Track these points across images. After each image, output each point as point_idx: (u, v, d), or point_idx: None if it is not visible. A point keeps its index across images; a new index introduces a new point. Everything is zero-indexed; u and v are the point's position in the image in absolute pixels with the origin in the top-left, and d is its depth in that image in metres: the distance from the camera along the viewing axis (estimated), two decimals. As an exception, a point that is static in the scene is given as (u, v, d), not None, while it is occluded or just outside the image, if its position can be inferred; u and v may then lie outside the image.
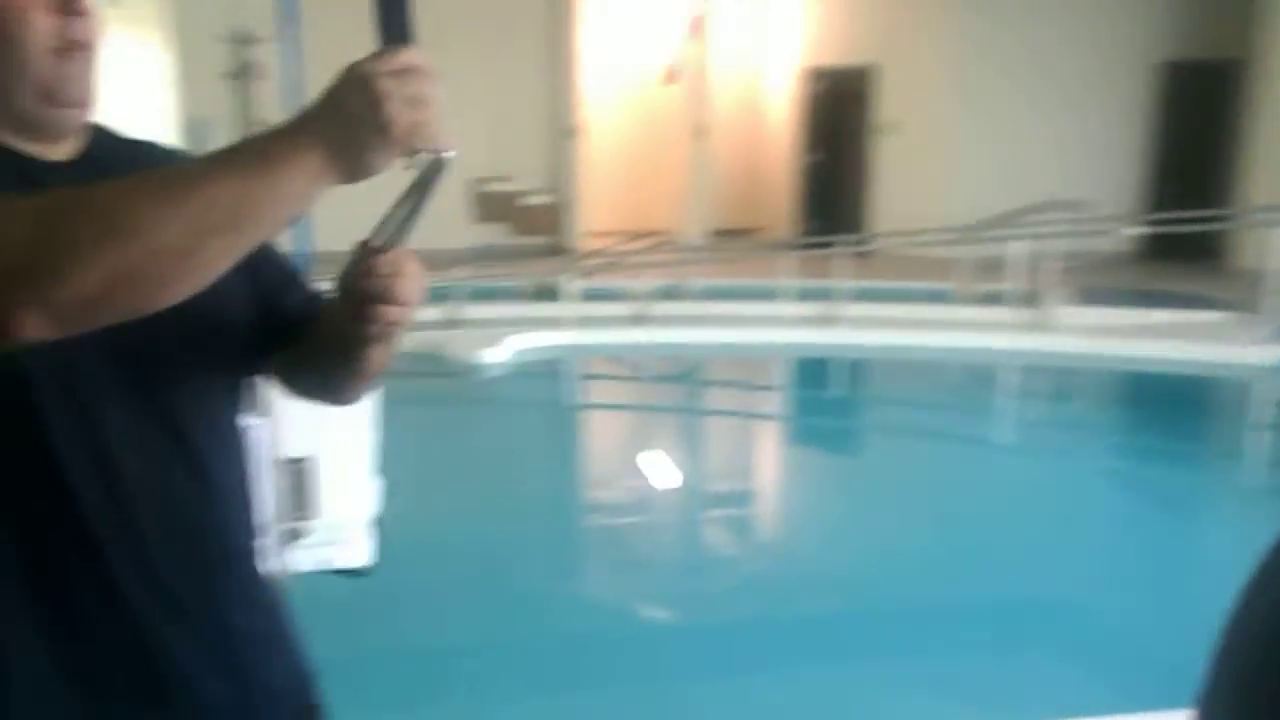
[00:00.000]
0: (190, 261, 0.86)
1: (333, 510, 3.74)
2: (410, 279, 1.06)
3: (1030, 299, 8.32)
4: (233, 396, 1.21)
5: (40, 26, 1.01)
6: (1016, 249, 8.58)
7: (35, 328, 0.84)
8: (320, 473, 3.71)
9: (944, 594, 4.03)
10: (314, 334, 1.21)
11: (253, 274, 1.10)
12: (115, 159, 1.10)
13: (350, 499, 3.82)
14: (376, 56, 0.89)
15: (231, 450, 1.20)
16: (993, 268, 8.70)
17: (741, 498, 5.73)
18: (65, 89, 1.03)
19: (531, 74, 13.01)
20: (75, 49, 1.03)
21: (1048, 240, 8.50)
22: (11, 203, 0.86)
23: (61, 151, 1.08)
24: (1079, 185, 10.63)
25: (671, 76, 5.18)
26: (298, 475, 3.71)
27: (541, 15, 12.92)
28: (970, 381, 8.15)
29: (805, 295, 8.64)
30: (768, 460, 6.72)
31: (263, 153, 0.87)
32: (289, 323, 1.23)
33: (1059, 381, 8.01)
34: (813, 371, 8.60)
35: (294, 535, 3.70)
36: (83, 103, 1.06)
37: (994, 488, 5.56)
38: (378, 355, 1.15)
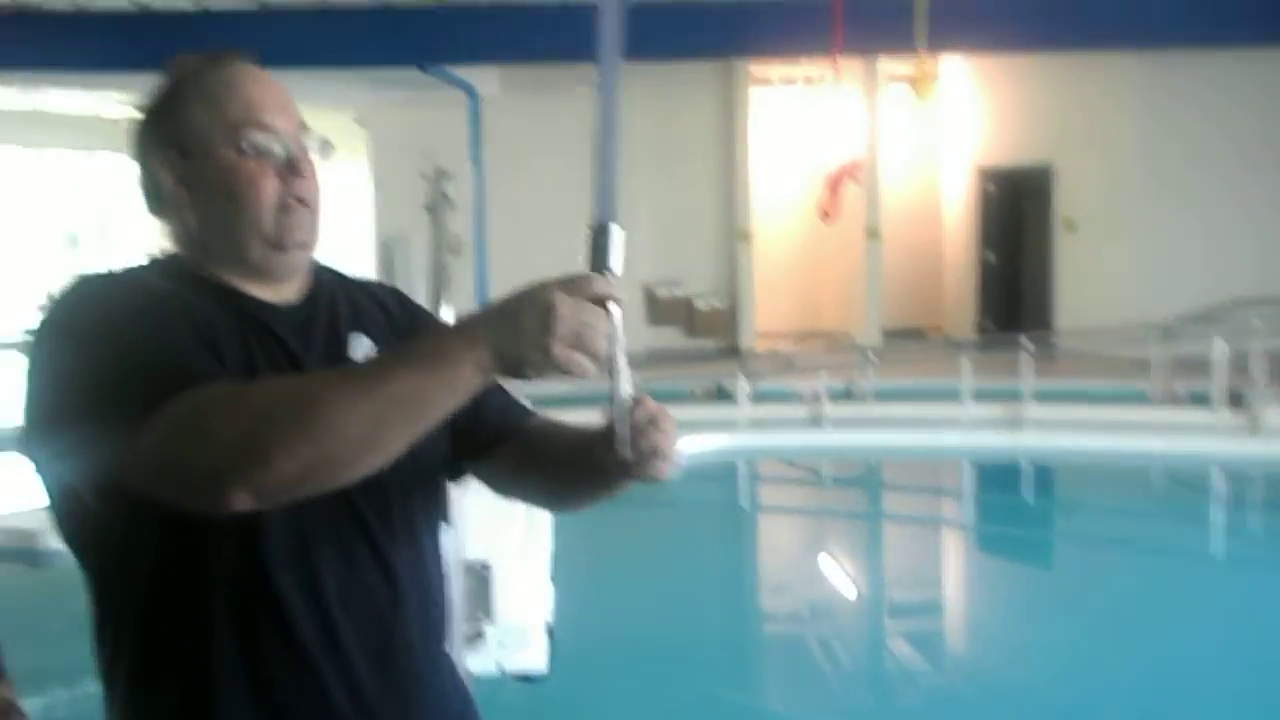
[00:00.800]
0: (374, 451, 0.98)
1: (510, 614, 3.77)
2: (671, 433, 1.14)
3: (1236, 400, 7.79)
4: (432, 507, 1.26)
5: (269, 188, 1.15)
6: (1219, 347, 8.08)
7: (242, 504, 0.96)
8: (499, 577, 3.75)
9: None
10: (555, 457, 1.28)
11: None
12: (332, 298, 1.23)
13: (527, 604, 3.83)
14: (563, 285, 0.97)
15: (429, 561, 1.24)
16: (1191, 367, 8.21)
17: (922, 608, 5.49)
18: (290, 238, 1.17)
19: (703, 178, 13.27)
20: (299, 205, 1.17)
21: (1253, 337, 7.98)
22: (234, 398, 0.99)
23: (287, 293, 1.20)
24: (1283, 279, 10.00)
25: (826, 215, 5.23)
26: (478, 579, 3.76)
27: (713, 121, 13.22)
28: (1170, 488, 7.64)
29: (987, 397, 8.35)
30: (951, 570, 6.43)
31: (440, 353, 0.97)
32: (492, 433, 1.28)
33: (1271, 489, 7.42)
34: (997, 476, 8.25)
35: (473, 638, 3.74)
36: (306, 247, 1.19)
37: (1198, 604, 5.14)
38: (620, 490, 1.22)
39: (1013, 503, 7.78)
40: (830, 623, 5.18)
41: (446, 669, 1.26)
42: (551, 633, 3.86)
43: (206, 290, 1.14)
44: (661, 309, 12.53)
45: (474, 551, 3.69)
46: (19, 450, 1.08)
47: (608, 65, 1.06)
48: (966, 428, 8.14)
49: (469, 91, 10.94)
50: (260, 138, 1.15)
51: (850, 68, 12.50)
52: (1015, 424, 7.95)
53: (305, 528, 1.10)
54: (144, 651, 1.12)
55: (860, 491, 8.24)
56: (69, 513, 1.10)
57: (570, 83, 11.06)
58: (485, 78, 11.21)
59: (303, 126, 1.19)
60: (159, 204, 1.19)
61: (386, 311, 1.28)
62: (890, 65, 12.52)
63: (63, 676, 3.81)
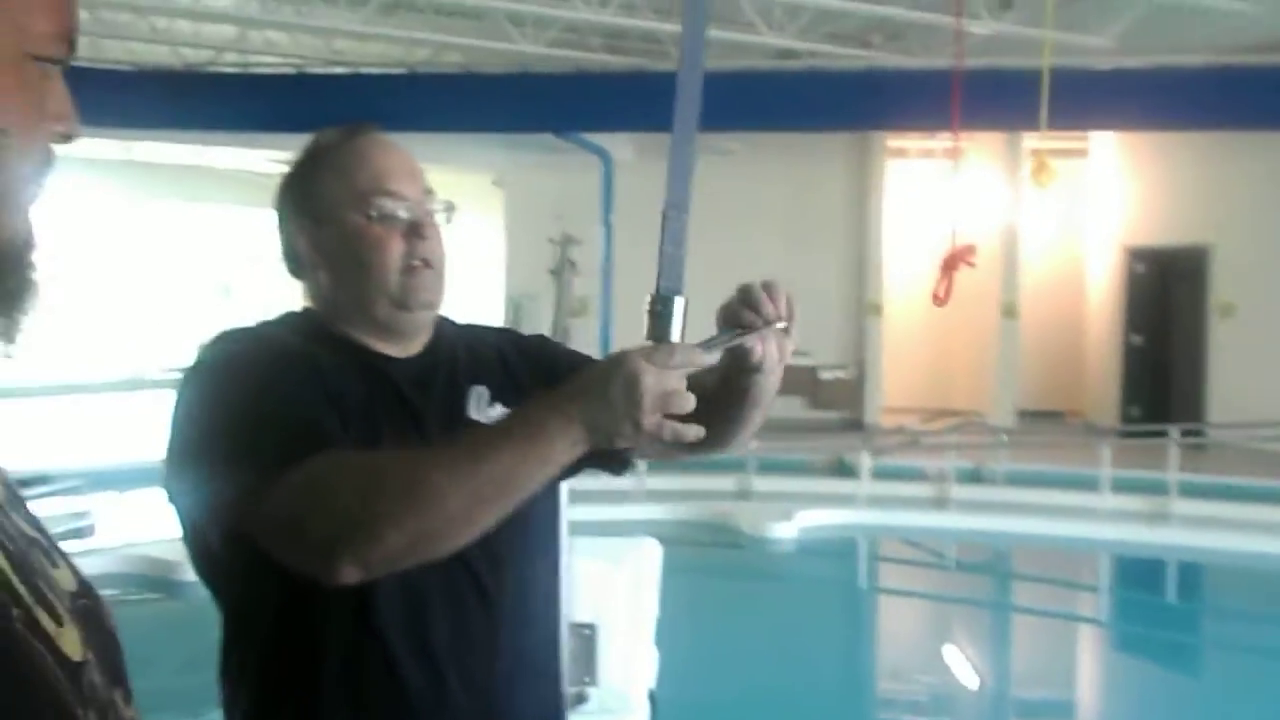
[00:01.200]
0: (472, 526, 1.03)
1: (613, 678, 3.68)
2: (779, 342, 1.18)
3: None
4: (542, 560, 1.30)
5: (394, 251, 1.22)
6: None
7: (349, 576, 1.01)
8: (604, 639, 3.68)
9: None
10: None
11: None
12: (452, 350, 1.30)
13: (630, 667, 3.74)
14: (645, 353, 1.00)
15: (542, 620, 1.29)
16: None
17: (1044, 708, 5.15)
18: (414, 298, 1.24)
19: (834, 247, 13.15)
20: (423, 267, 1.24)
21: None
22: (353, 471, 1.04)
23: (411, 347, 1.27)
24: None
25: (936, 298, 5.15)
26: (583, 641, 3.70)
27: (847, 190, 13.13)
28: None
29: (1128, 487, 7.90)
30: (1079, 669, 6.05)
31: (537, 433, 1.01)
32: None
33: None
34: (1136, 572, 7.78)
35: (576, 700, 3.66)
36: (430, 307, 1.26)
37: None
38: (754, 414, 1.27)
39: (1151, 602, 7.31)
40: (944, 715, 4.91)
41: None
42: (654, 699, 3.76)
43: (337, 346, 1.23)
44: (785, 378, 12.30)
45: (580, 613, 3.63)
46: (160, 485, 1.17)
47: (681, 135, 1.10)
48: (1104, 519, 7.71)
49: (603, 156, 11.13)
50: (386, 203, 1.22)
51: (990, 141, 12.27)
52: (1159, 518, 7.50)
53: (418, 584, 1.15)
54: (261, 690, 1.20)
55: (985, 578, 7.87)
56: (200, 551, 1.18)
57: (701, 150, 11.15)
58: (619, 143, 11.40)
59: (428, 192, 1.26)
60: (296, 266, 1.29)
61: (503, 359, 1.33)
62: (1033, 140, 12.24)
63: (186, 704, 3.90)
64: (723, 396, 1.22)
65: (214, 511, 1.09)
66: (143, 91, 9.78)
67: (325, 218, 1.24)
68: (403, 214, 1.23)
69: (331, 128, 1.29)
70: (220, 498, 1.07)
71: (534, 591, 1.28)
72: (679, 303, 1.07)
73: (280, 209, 1.29)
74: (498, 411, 1.27)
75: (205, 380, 1.16)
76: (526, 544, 1.25)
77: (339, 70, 11.22)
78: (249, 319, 1.27)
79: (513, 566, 1.23)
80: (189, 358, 1.20)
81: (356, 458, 1.08)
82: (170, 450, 1.14)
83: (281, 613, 1.16)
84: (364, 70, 11.15)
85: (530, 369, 1.33)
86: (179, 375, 1.19)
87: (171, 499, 1.16)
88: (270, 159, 14.66)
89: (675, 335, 1.06)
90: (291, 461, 1.04)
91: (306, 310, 1.29)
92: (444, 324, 1.32)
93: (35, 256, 0.66)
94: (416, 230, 1.23)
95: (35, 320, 0.66)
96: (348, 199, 1.23)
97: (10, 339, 0.65)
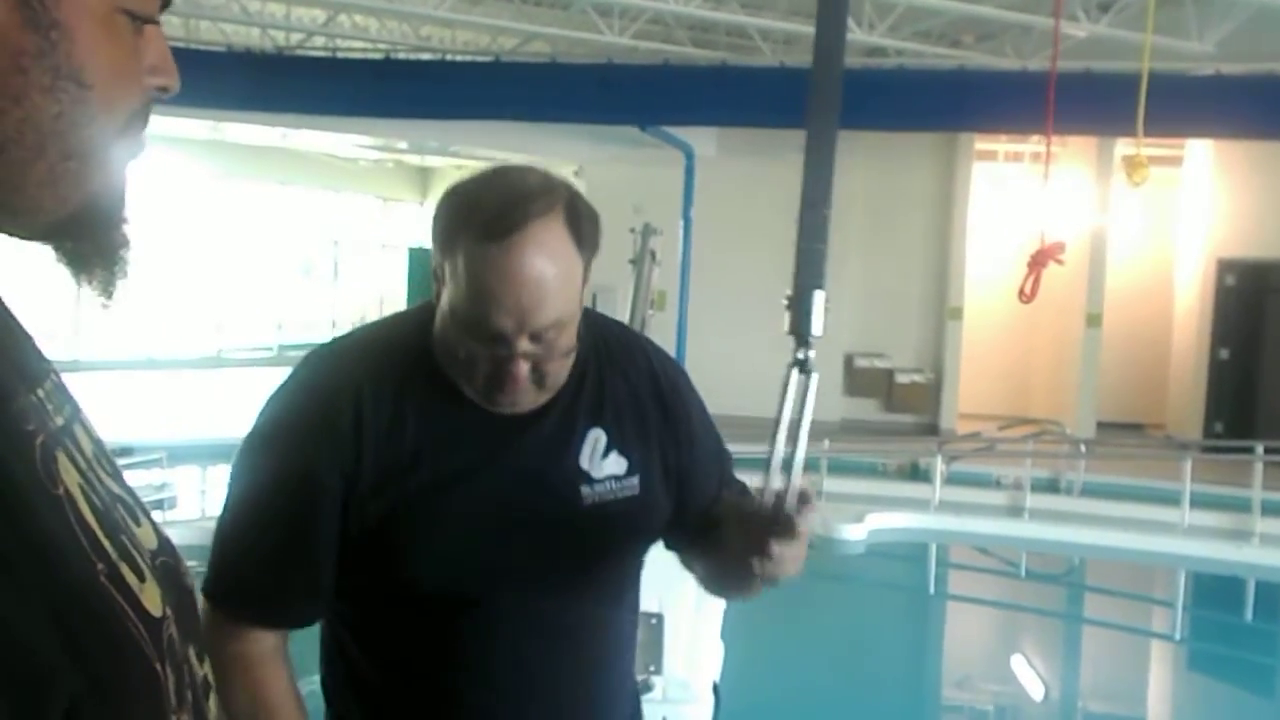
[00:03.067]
0: None
1: (677, 669, 3.69)
2: (799, 546, 1.12)
3: None
4: (629, 584, 1.35)
5: (480, 369, 1.16)
6: None
7: None
8: (670, 630, 3.69)
9: None
10: (705, 542, 1.32)
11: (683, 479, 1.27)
12: (579, 386, 1.23)
13: (696, 659, 3.75)
14: None
15: (619, 630, 1.32)
16: None
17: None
18: (498, 406, 1.19)
19: (916, 250, 12.98)
20: (510, 384, 1.16)
21: None
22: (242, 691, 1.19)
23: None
24: None
25: (1022, 294, 5.02)
26: (650, 630, 3.71)
27: (932, 192, 12.95)
28: None
29: (1210, 503, 7.69)
30: (1149, 686, 5.91)
31: None
32: (700, 521, 1.33)
33: None
34: (1217, 590, 7.57)
35: (641, 689, 3.68)
36: (520, 408, 1.19)
37: None
38: (753, 588, 1.21)
39: (1229, 621, 7.11)
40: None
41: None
42: (718, 691, 3.76)
43: (433, 382, 1.19)
44: (860, 380, 12.26)
45: (647, 603, 3.65)
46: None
47: (818, 130, 1.09)
48: (1184, 534, 7.52)
49: (686, 151, 11.11)
50: (478, 337, 1.14)
51: (1082, 146, 11.99)
52: (1241, 536, 7.29)
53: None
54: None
55: (1057, 589, 7.72)
56: None
57: (784, 148, 11.08)
58: (702, 138, 11.37)
59: (552, 326, 1.14)
60: (434, 293, 1.22)
61: (635, 396, 1.26)
62: (1126, 145, 11.94)
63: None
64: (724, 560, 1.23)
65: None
66: (233, 72, 9.97)
67: (443, 288, 1.17)
68: (502, 351, 1.14)
69: (489, 197, 1.14)
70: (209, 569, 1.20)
71: (613, 612, 1.31)
72: (819, 297, 1.08)
73: (432, 235, 1.21)
74: (611, 463, 1.22)
75: (240, 457, 1.24)
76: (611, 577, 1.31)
77: (425, 56, 11.36)
78: (341, 328, 1.29)
79: (598, 597, 1.28)
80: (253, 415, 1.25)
81: (262, 677, 1.20)
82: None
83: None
84: (450, 57, 11.27)
85: (662, 415, 1.28)
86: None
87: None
88: (354, 143, 14.92)
89: (817, 329, 1.07)
90: (234, 606, 1.20)
91: (426, 322, 1.22)
92: (584, 346, 1.22)
93: (128, 214, 0.65)
94: (501, 367, 1.14)
95: (131, 281, 0.66)
96: (457, 298, 1.14)
97: (109, 295, 0.65)
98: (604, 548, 1.23)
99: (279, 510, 1.19)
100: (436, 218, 1.18)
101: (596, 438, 1.22)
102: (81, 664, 0.54)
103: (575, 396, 1.23)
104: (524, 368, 1.14)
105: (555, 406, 1.21)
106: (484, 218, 1.12)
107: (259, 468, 1.21)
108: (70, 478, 0.60)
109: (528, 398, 1.18)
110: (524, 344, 1.13)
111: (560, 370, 1.18)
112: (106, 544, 0.60)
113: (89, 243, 0.64)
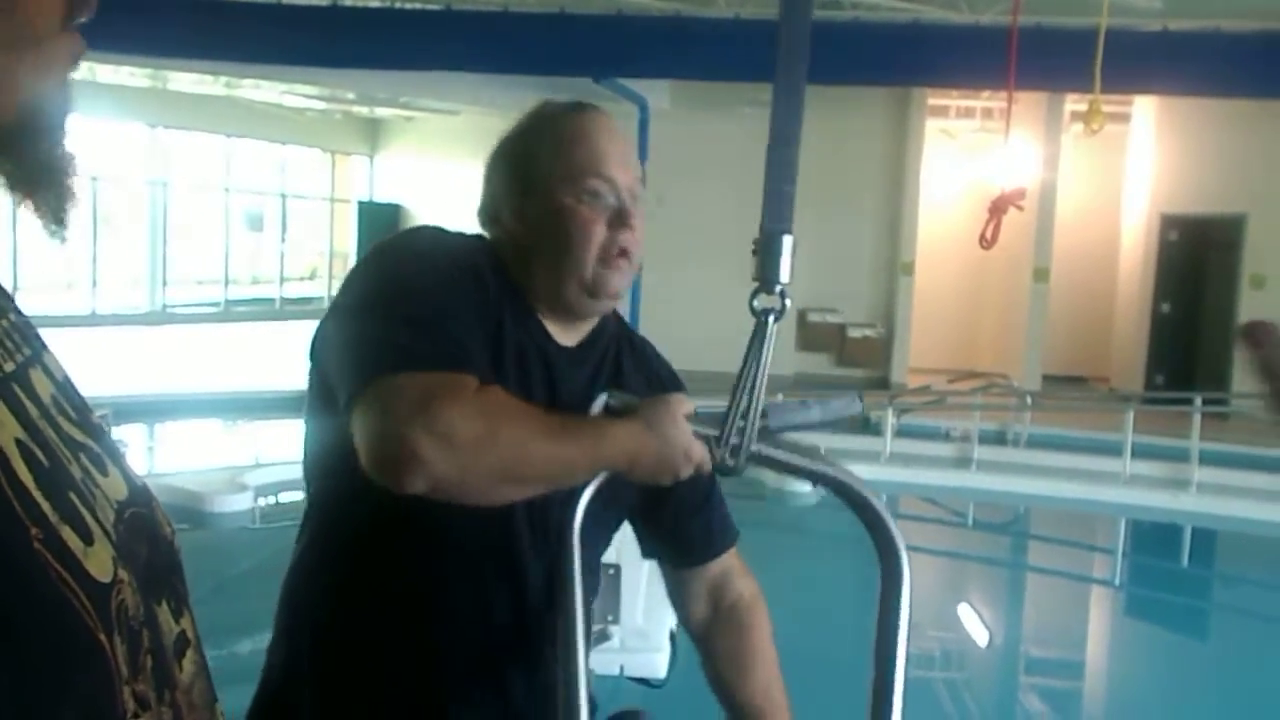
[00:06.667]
0: (522, 490, 1.11)
1: (634, 618, 3.75)
2: None
3: None
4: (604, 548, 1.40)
5: (597, 237, 1.21)
6: None
7: (414, 487, 1.01)
8: (627, 580, 3.74)
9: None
10: (717, 668, 1.52)
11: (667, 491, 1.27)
12: (605, 355, 1.30)
13: (652, 609, 3.81)
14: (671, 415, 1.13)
15: (590, 578, 1.33)
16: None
17: (1053, 667, 5.21)
18: (604, 288, 1.23)
19: (868, 205, 13.05)
20: (620, 258, 1.22)
21: None
22: (479, 405, 1.06)
23: (574, 334, 1.27)
24: None
25: (983, 240, 5.08)
26: (608, 581, 3.76)
27: (884, 148, 13.00)
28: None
29: (1150, 454, 7.90)
30: (1089, 631, 6.10)
31: (603, 439, 1.11)
32: (684, 539, 1.45)
33: None
34: (1153, 538, 7.80)
35: (599, 638, 3.73)
36: (617, 299, 1.26)
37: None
38: None
39: (1167, 568, 7.34)
40: (952, 671, 4.97)
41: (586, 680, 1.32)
42: (674, 639, 3.83)
43: (512, 300, 1.22)
44: (812, 335, 12.36)
45: (605, 554, 3.69)
46: (317, 333, 1.20)
47: (788, 67, 1.10)
48: (1125, 484, 7.73)
49: (639, 104, 11.04)
50: (599, 186, 1.21)
51: (1033, 101, 12.08)
52: (1179, 485, 7.51)
53: (478, 556, 1.21)
54: (335, 591, 1.23)
55: (1003, 539, 7.91)
56: (320, 419, 1.19)
57: (738, 102, 11.05)
58: (656, 91, 11.29)
59: (640, 182, 1.25)
60: (490, 222, 1.28)
61: (644, 390, 1.29)
62: (1074, 102, 12.07)
63: (210, 635, 3.99)
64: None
65: (347, 380, 1.08)
66: (173, 18, 9.67)
67: (535, 189, 1.22)
68: (611, 200, 1.21)
69: (557, 101, 1.29)
70: (356, 368, 1.07)
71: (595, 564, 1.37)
72: (787, 241, 1.04)
73: (491, 169, 1.28)
74: None
75: (399, 253, 1.20)
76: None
77: (373, 4, 11.15)
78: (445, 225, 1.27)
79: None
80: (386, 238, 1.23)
81: (485, 394, 1.08)
82: (335, 304, 1.17)
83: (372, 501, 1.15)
84: (399, 5, 11.07)
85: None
86: (373, 247, 1.21)
87: (313, 354, 1.20)
88: (307, 96, 14.63)
89: (784, 275, 1.04)
90: (428, 368, 1.05)
91: (492, 247, 1.26)
92: (607, 322, 1.32)
93: (68, 132, 0.62)
94: (622, 218, 1.21)
95: (77, 209, 0.62)
96: (562, 175, 1.21)
97: (61, 221, 0.62)
98: (597, 511, 1.25)
99: (465, 289, 1.16)
100: (500, 150, 1.28)
101: (601, 402, 1.25)
102: (4, 639, 0.50)
103: (599, 365, 1.29)
104: (637, 228, 1.22)
105: (586, 367, 1.27)
106: (562, 108, 1.27)
107: (430, 257, 1.19)
108: (5, 434, 0.55)
109: (629, 278, 1.24)
110: (633, 193, 1.23)
111: (639, 251, 1.24)
112: (45, 506, 0.55)
113: (30, 159, 0.60)
